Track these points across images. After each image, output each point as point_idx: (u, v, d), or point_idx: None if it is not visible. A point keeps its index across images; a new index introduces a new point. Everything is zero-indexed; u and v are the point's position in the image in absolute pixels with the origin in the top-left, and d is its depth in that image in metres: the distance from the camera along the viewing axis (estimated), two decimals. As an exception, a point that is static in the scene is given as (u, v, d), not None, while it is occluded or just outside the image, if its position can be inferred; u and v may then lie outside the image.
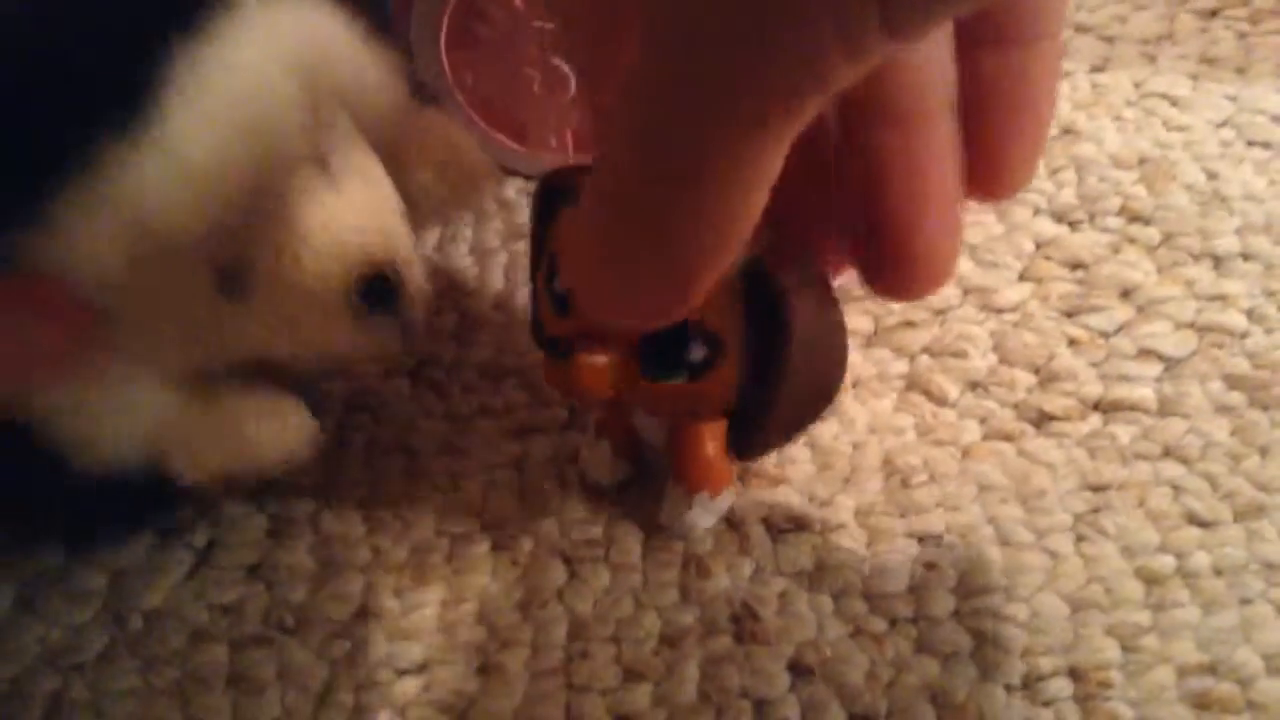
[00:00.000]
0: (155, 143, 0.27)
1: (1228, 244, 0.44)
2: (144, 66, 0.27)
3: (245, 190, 0.29)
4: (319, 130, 0.31)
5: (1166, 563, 0.35)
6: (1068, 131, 0.49)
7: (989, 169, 0.28)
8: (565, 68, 0.46)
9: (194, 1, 0.28)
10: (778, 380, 0.30)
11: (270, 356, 0.34)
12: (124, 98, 0.26)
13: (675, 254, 0.24)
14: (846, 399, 0.40)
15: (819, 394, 0.33)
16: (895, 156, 0.27)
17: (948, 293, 0.43)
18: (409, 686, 0.34)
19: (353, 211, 0.32)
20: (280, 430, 0.35)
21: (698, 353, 0.30)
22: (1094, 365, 0.41)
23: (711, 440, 0.34)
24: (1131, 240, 0.45)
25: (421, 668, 0.34)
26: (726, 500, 0.36)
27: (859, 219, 0.28)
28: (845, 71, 0.19)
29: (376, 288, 0.32)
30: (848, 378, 0.40)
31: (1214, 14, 0.55)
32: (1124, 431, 0.39)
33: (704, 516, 0.36)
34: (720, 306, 0.29)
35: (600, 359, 0.31)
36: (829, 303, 0.32)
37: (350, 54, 0.33)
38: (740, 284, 0.29)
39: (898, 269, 0.29)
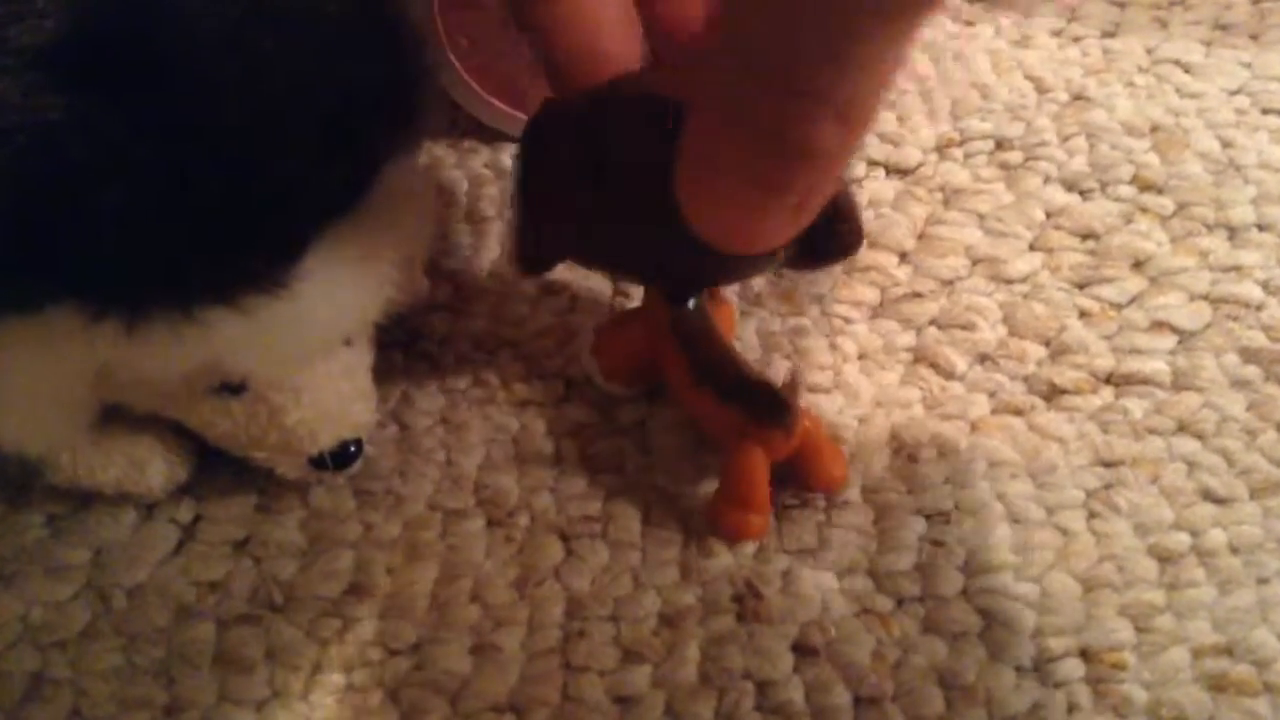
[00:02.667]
0: (296, 294, 0.31)
1: (1242, 214, 0.43)
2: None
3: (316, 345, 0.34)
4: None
5: (1181, 540, 0.34)
6: (1079, 98, 0.48)
7: None
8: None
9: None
10: None
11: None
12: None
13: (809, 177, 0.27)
14: (852, 372, 0.39)
15: None
16: None
17: (956, 262, 0.42)
18: (400, 666, 0.33)
19: (350, 384, 0.36)
20: (154, 466, 0.36)
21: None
22: (1106, 337, 0.40)
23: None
24: (1144, 210, 0.44)
25: (413, 647, 0.33)
26: None
27: None
28: None
29: (342, 453, 0.36)
30: (854, 348, 0.40)
31: (1228, -21, 0.53)
32: (1137, 406, 0.38)
33: None
34: None
35: None
36: None
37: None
38: None
39: None
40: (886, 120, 0.47)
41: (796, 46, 0.24)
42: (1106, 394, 0.38)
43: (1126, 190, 0.44)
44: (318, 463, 0.35)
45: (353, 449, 0.36)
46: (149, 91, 0.27)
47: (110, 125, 0.27)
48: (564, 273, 0.43)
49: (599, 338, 0.39)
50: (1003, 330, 0.40)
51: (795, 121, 0.25)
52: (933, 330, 0.40)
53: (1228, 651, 0.32)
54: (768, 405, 0.34)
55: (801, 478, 0.36)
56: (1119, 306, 0.41)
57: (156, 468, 0.36)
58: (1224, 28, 0.51)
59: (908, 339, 0.40)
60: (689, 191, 0.29)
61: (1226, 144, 0.46)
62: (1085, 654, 0.32)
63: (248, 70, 0.28)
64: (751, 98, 0.25)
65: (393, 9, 0.32)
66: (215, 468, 0.37)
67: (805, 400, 0.37)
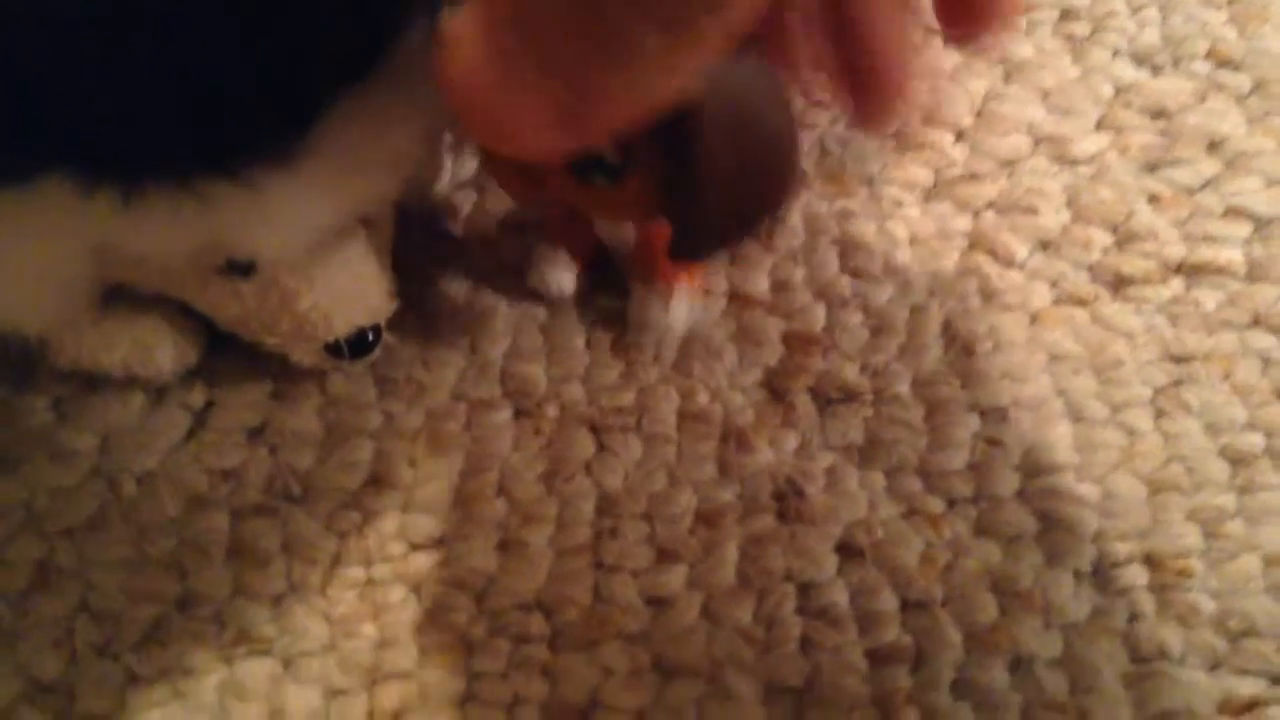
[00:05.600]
0: (304, 168, 0.29)
1: (1327, 92, 0.40)
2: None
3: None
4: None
5: (1254, 442, 0.32)
6: (1152, -35, 0.45)
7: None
8: None
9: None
10: (692, 182, 0.28)
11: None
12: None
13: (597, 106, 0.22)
14: (903, 257, 0.37)
15: (755, 192, 0.30)
16: None
17: (1018, 141, 0.39)
18: (423, 562, 0.32)
19: (367, 268, 0.34)
20: (162, 347, 0.35)
21: (613, 158, 0.29)
22: (1177, 224, 0.37)
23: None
24: (1220, 87, 0.41)
25: (437, 542, 0.32)
26: (691, 304, 0.35)
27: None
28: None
29: (360, 341, 0.34)
30: (905, 233, 0.37)
31: None
32: (1209, 297, 0.35)
33: (676, 315, 0.35)
34: None
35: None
36: (762, 99, 0.29)
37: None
38: None
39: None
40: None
41: None
42: (1177, 284, 0.36)
43: (1201, 66, 0.41)
44: (334, 350, 0.34)
45: (371, 337, 0.34)
46: None
47: None
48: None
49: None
50: (1066, 215, 0.38)
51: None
52: (991, 214, 0.38)
53: (1303, 560, 0.30)
54: None
55: None
56: (1191, 191, 0.38)
57: (164, 349, 0.35)
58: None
59: (964, 223, 0.38)
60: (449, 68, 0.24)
61: (1312, 17, 0.42)
62: (1150, 560, 0.31)
63: None
64: None
65: None
66: (228, 351, 0.35)
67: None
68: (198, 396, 0.35)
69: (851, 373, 0.34)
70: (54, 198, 0.28)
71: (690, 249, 0.30)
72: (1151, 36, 0.42)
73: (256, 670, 0.31)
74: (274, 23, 0.27)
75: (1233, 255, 0.36)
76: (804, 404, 0.34)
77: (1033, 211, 0.38)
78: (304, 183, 0.29)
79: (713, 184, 0.28)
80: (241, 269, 0.32)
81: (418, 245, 0.38)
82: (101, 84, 0.26)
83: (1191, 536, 0.31)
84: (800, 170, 0.29)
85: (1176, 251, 0.36)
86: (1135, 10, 0.43)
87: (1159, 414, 0.33)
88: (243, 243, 0.31)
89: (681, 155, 0.28)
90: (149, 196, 0.28)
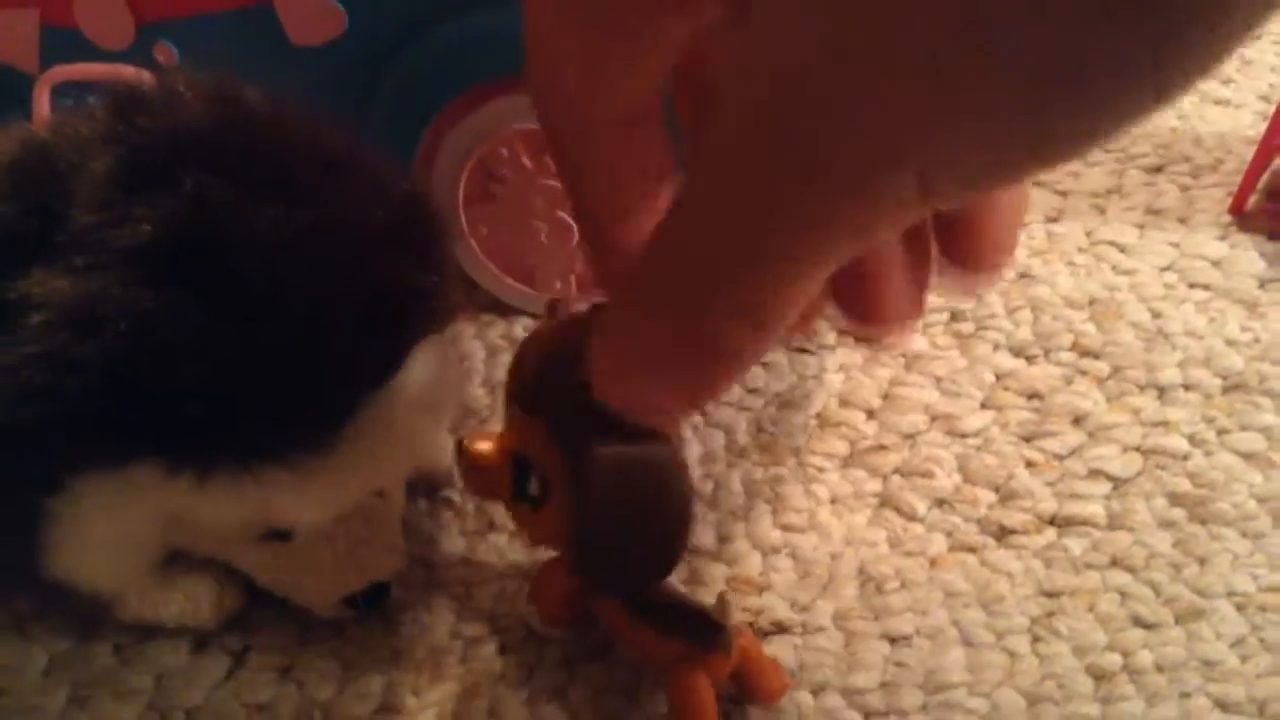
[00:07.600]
0: (340, 453, 0.36)
1: (1170, 375, 0.49)
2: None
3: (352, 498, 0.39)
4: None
5: (1114, 660, 0.39)
6: (1024, 275, 0.54)
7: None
8: (569, 219, 0.51)
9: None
10: (583, 518, 0.33)
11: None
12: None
13: (711, 356, 0.26)
14: (825, 514, 0.44)
15: (639, 554, 0.34)
16: None
17: (916, 419, 0.48)
18: (426, 776, 0.37)
19: (382, 532, 0.40)
20: (209, 602, 0.41)
21: (534, 487, 0.35)
22: (1049, 484, 0.45)
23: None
24: (1083, 372, 0.49)
25: (438, 759, 0.38)
26: None
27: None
28: (884, 232, 0.23)
29: (374, 591, 0.40)
30: (827, 494, 0.45)
31: (1159, 170, 0.60)
32: (1076, 544, 0.43)
33: None
34: (547, 453, 0.34)
35: None
36: (657, 461, 0.32)
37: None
38: (558, 438, 0.33)
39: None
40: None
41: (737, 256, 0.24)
42: (1049, 534, 0.43)
43: (1067, 356, 0.50)
44: (351, 602, 0.40)
45: (383, 590, 0.40)
46: (225, 286, 0.33)
47: (193, 313, 0.32)
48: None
49: (535, 584, 0.40)
50: (958, 478, 0.45)
51: (710, 325, 0.25)
52: (896, 478, 0.45)
53: (1155, 758, 0.36)
54: (707, 631, 0.35)
55: (744, 692, 0.38)
56: (1060, 457, 0.46)
57: (211, 603, 0.41)
58: (1156, 212, 0.58)
59: (875, 486, 0.45)
60: (600, 366, 0.29)
61: (1156, 314, 0.52)
62: (1030, 761, 0.37)
63: (307, 270, 0.34)
64: (674, 296, 0.26)
65: (427, 214, 0.38)
66: (262, 602, 0.42)
67: (738, 619, 0.39)
68: (236, 641, 0.41)
69: (783, 609, 0.41)
70: (140, 479, 0.35)
71: (583, 574, 0.36)
72: (1025, 333, 0.51)
73: None
74: (320, 347, 0.34)
75: (1095, 509, 0.44)
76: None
77: (930, 475, 0.45)
78: (337, 465, 0.36)
79: (601, 535, 0.33)
80: (281, 535, 0.38)
81: (422, 510, 0.46)
82: (191, 394, 0.33)
83: (1064, 741, 0.37)
84: (686, 543, 0.33)
85: (1049, 507, 0.44)
86: (1011, 312, 0.52)
87: (1035, 639, 0.40)
88: (286, 514, 0.37)
89: (582, 502, 0.32)
90: (217, 478, 0.34)
